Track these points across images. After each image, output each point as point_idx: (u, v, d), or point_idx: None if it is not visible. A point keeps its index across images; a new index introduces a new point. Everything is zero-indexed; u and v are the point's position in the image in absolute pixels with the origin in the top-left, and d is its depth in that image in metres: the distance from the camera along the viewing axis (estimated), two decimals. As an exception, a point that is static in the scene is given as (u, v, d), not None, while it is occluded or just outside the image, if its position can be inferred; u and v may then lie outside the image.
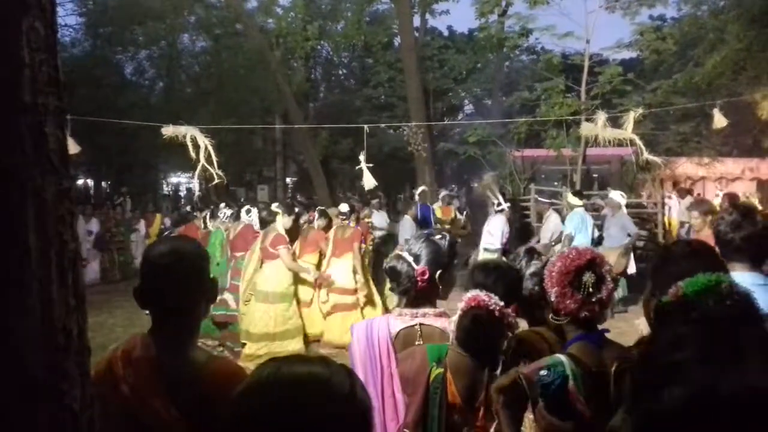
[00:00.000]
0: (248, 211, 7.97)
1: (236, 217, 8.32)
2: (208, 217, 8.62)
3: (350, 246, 7.62)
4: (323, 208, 9.45)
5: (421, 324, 2.56)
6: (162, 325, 1.87)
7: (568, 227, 8.64)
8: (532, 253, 2.83)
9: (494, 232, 9.29)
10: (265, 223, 7.78)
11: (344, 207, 8.17)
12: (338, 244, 7.72)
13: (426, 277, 2.62)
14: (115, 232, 13.36)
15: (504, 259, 8.77)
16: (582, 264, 2.09)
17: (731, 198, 8.57)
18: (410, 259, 2.64)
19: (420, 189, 12.36)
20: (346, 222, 7.94)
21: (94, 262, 12.42)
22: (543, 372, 1.88)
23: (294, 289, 7.36)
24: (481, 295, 2.20)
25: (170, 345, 1.82)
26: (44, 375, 1.28)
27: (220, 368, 1.83)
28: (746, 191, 15.81)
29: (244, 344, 7.34)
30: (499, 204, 9.66)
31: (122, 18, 19.99)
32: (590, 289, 2.07)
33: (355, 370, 2.68)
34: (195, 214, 9.84)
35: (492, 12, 13.93)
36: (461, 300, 2.26)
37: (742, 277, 2.49)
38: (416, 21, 20.13)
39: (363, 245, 8.08)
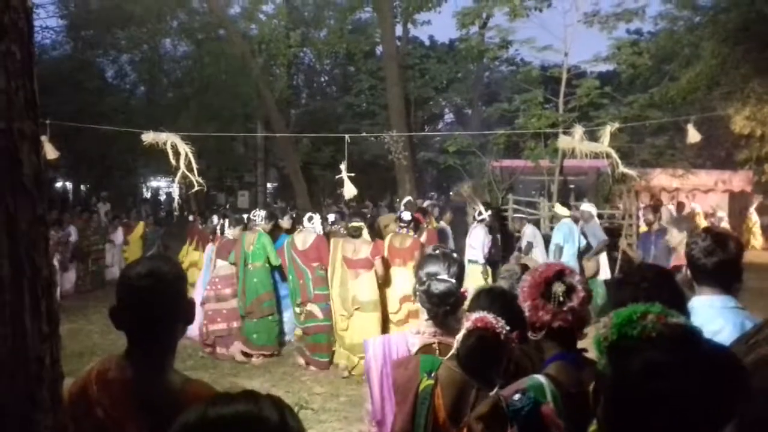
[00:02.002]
0: (310, 219, 7.75)
1: (270, 218, 8.19)
2: (226, 224, 8.44)
3: (411, 255, 7.47)
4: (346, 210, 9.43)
5: (439, 342, 2.59)
6: (138, 347, 1.85)
7: (556, 238, 8.64)
8: (526, 270, 2.82)
9: (475, 245, 9.29)
10: (322, 233, 7.84)
11: (407, 215, 7.92)
12: (397, 254, 7.56)
13: (465, 297, 2.69)
14: (91, 240, 13.09)
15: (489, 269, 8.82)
16: (550, 275, 2.11)
17: (654, 209, 8.84)
18: (453, 280, 2.67)
19: (406, 199, 12.39)
20: (404, 230, 7.74)
21: (71, 272, 12.19)
22: (515, 397, 1.88)
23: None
24: (489, 316, 2.21)
25: (146, 367, 1.81)
26: (15, 404, 1.27)
27: (196, 391, 1.82)
28: (717, 203, 16.10)
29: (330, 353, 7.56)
30: (480, 213, 9.69)
31: (104, 21, 19.81)
32: (561, 298, 2.08)
33: (371, 385, 2.72)
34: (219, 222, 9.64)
35: (473, 24, 14.04)
36: (467, 319, 2.26)
37: (711, 300, 2.59)
38: (398, 30, 20.21)
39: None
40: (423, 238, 8.00)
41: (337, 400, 6.48)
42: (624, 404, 1.27)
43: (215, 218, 10.15)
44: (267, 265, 7.87)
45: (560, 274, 2.13)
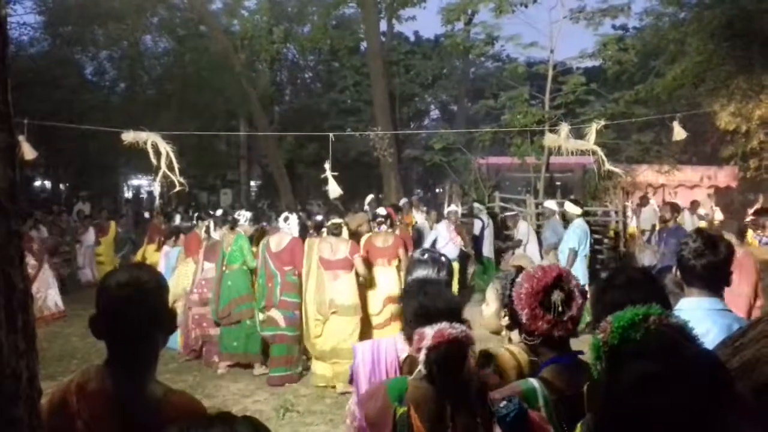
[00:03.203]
0: (286, 219, 7.24)
1: (255, 219, 7.86)
2: (212, 226, 7.96)
3: (395, 254, 7.29)
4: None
5: None
6: (118, 357, 1.81)
7: (571, 241, 8.31)
8: (520, 273, 2.79)
9: (442, 245, 9.33)
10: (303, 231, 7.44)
11: (382, 210, 7.72)
12: (380, 253, 7.29)
13: None
14: (60, 241, 12.76)
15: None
16: (549, 283, 2.07)
17: (672, 207, 8.76)
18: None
19: (369, 198, 12.29)
20: (385, 228, 7.50)
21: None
22: (501, 404, 1.88)
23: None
24: (445, 327, 2.13)
25: (127, 378, 1.79)
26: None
27: (178, 402, 1.81)
28: (702, 199, 16.21)
29: (303, 365, 7.10)
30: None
31: (83, 17, 19.62)
32: (560, 308, 2.06)
33: (359, 390, 2.73)
34: (195, 223, 9.27)
35: (458, 19, 13.99)
36: (422, 336, 2.15)
37: (699, 302, 2.62)
38: (383, 26, 20.13)
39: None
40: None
41: (323, 402, 6.41)
42: (619, 415, 1.27)
43: (177, 218, 9.98)
44: (244, 267, 7.46)
45: (558, 280, 2.09)
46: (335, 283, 6.75)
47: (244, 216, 7.87)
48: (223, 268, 7.43)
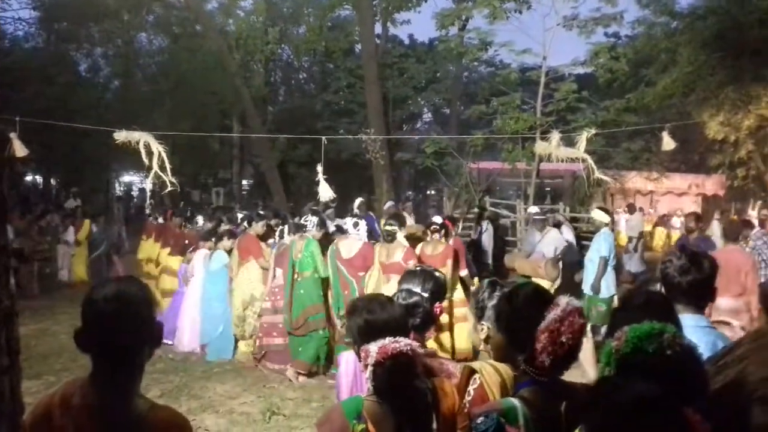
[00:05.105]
0: (356, 225, 7.13)
1: (322, 224, 7.57)
2: (286, 230, 7.70)
3: (443, 262, 7.16)
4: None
5: None
6: (103, 371, 1.79)
7: (602, 249, 7.97)
8: (495, 285, 2.74)
9: None
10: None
11: (438, 219, 7.62)
12: (427, 261, 7.11)
13: (439, 313, 2.67)
14: (38, 240, 12.54)
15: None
16: (580, 338, 2.00)
17: (696, 217, 8.77)
18: (426, 294, 2.68)
19: (358, 201, 12.25)
20: (438, 236, 7.45)
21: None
22: (479, 420, 1.88)
23: None
24: (389, 343, 2.13)
25: (110, 393, 1.76)
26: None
27: (162, 418, 1.79)
28: (680, 207, 16.34)
29: None
30: None
31: (78, 14, 19.47)
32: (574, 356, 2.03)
33: (341, 399, 2.72)
34: (246, 225, 8.66)
35: (452, 25, 14.05)
36: (368, 353, 2.16)
37: (684, 319, 2.54)
38: (377, 29, 20.17)
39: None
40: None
41: (309, 405, 6.41)
42: (610, 428, 1.31)
43: (200, 219, 9.80)
44: (315, 275, 7.17)
45: (584, 334, 2.03)
46: (386, 286, 6.72)
47: (311, 222, 7.54)
48: (295, 276, 7.22)
